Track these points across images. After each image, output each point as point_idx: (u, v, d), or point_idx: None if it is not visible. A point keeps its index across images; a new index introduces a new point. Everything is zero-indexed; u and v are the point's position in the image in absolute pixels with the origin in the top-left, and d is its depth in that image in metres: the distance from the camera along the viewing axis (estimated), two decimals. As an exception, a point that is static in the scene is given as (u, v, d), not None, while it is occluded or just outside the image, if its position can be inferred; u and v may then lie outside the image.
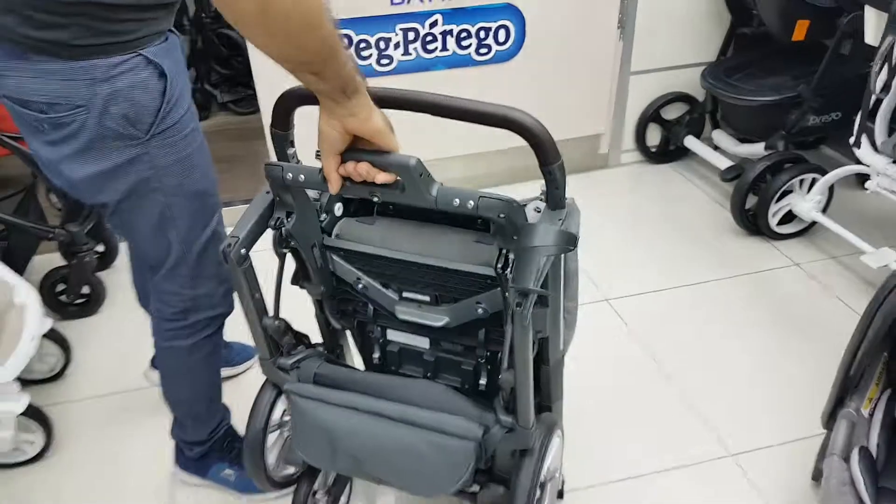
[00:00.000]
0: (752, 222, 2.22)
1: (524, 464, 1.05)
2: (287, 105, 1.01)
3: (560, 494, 1.46)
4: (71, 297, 2.07)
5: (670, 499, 1.47)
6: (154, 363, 1.73)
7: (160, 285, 1.28)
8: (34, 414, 1.60)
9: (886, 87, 1.69)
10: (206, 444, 1.49)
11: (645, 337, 1.89)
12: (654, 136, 2.74)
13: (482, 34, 2.38)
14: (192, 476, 1.55)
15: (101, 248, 2.22)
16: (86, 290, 2.09)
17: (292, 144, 1.07)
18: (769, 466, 1.51)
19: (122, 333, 2.00)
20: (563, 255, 1.02)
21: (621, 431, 1.62)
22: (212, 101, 3.38)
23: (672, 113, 2.69)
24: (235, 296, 1.30)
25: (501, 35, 2.40)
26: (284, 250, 1.10)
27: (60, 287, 2.06)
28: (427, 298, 1.12)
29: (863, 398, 1.32)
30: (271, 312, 1.14)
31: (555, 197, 0.96)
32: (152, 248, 1.23)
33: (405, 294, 1.14)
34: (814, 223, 2.20)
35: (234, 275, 1.06)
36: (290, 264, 1.15)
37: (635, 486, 1.50)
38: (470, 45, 2.40)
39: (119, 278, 2.16)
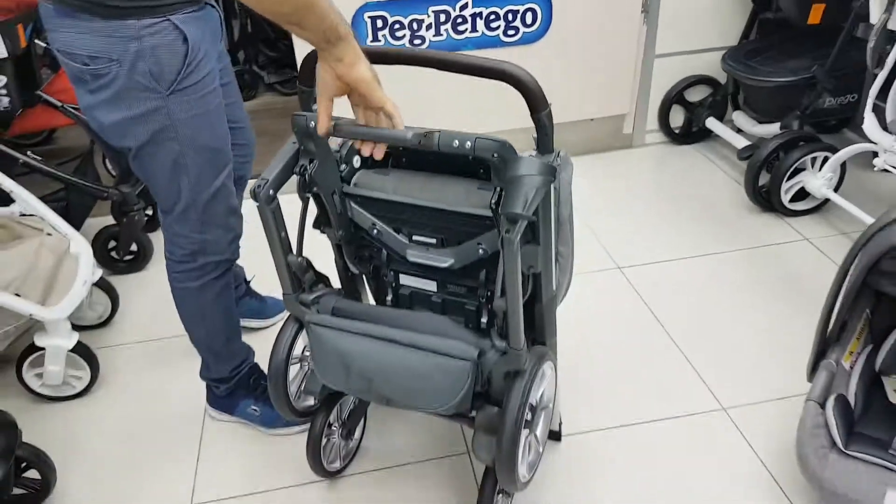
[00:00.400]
0: (766, 199, 2.29)
1: (515, 384, 1.16)
2: (313, 63, 1.15)
3: (558, 436, 1.57)
4: (121, 253, 2.26)
5: (665, 446, 1.56)
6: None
7: (172, 227, 1.44)
8: (82, 352, 1.78)
9: (881, 63, 1.74)
10: (231, 382, 1.64)
11: (652, 301, 1.99)
12: (677, 118, 2.81)
13: (510, 16, 2.49)
14: (221, 413, 1.71)
15: (149, 211, 2.40)
16: (134, 247, 2.28)
17: (315, 100, 1.21)
18: (760, 420, 1.59)
19: (166, 287, 2.15)
20: (553, 200, 1.13)
21: (623, 384, 1.72)
22: (259, 82, 3.56)
23: (695, 95, 2.76)
24: (242, 242, 1.46)
25: (529, 17, 2.50)
26: (307, 195, 1.24)
27: (111, 244, 2.25)
28: (434, 241, 1.24)
29: (844, 351, 1.40)
30: (295, 251, 1.28)
31: (544, 142, 1.07)
32: (165, 192, 1.38)
33: (415, 237, 1.26)
34: (826, 201, 2.25)
35: (262, 213, 1.20)
36: (313, 211, 1.29)
37: (632, 433, 1.60)
38: (498, 26, 2.51)
39: (164, 239, 2.34)
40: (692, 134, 2.82)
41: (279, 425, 1.64)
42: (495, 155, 1.02)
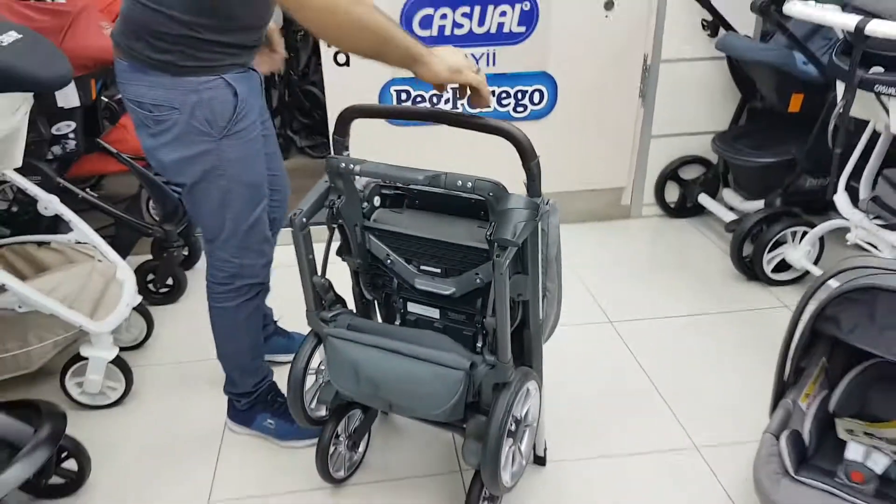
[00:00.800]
0: (750, 268, 2.48)
1: (501, 394, 1.34)
2: (347, 117, 1.42)
3: (543, 461, 1.72)
4: (158, 286, 2.49)
5: (640, 478, 1.71)
6: None
7: (214, 254, 1.66)
8: (120, 364, 1.98)
9: (841, 145, 1.97)
10: (252, 396, 1.83)
11: (638, 351, 2.16)
12: (672, 193, 3.05)
13: (520, 95, 2.78)
14: (239, 426, 1.88)
15: (186, 251, 2.64)
16: (170, 281, 2.50)
17: (347, 148, 1.45)
18: (729, 459, 1.73)
19: (196, 318, 2.34)
20: (541, 238, 1.34)
21: (605, 421, 1.89)
22: (292, 145, 3.87)
23: (689, 173, 3.00)
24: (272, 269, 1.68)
25: (536, 97, 2.79)
26: (334, 225, 1.47)
27: (149, 277, 2.48)
28: (438, 270, 1.45)
29: (800, 393, 1.56)
30: (319, 272, 1.49)
31: (533, 187, 1.29)
32: (212, 223, 1.61)
33: (422, 267, 1.47)
34: (807, 272, 2.43)
35: (294, 237, 1.42)
36: (337, 240, 1.51)
37: (610, 465, 1.75)
38: (509, 104, 2.79)
39: (199, 277, 2.56)
40: (686, 209, 3.04)
41: (292, 437, 1.82)
42: (490, 193, 1.24)
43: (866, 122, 2.14)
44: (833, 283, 1.46)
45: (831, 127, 2.01)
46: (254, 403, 1.84)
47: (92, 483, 1.71)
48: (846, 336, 1.42)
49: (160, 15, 1.36)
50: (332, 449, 1.62)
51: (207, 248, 1.68)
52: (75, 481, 1.69)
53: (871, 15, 1.90)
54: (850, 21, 1.82)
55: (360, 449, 1.75)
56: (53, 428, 1.51)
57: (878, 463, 1.43)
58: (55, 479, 1.67)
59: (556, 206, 1.42)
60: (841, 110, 1.92)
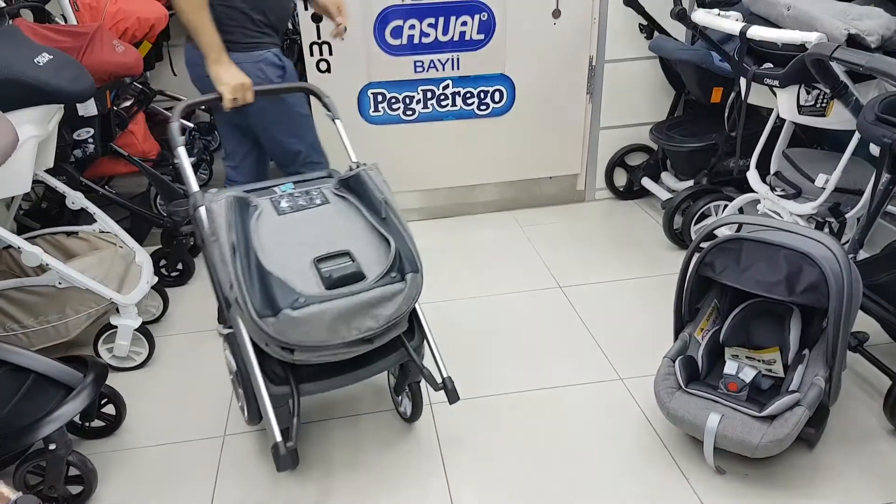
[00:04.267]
0: (680, 238, 2.88)
1: None
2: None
3: (452, 394, 1.89)
4: (169, 270, 2.86)
5: (576, 404, 2.09)
6: (219, 319, 2.47)
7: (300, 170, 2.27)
8: (144, 332, 2.35)
9: (733, 128, 2.36)
10: None
11: (582, 310, 2.55)
12: (620, 178, 3.44)
13: (482, 95, 3.16)
14: None
15: (192, 240, 3.00)
16: (180, 266, 2.87)
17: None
18: (648, 388, 2.09)
19: (205, 298, 2.75)
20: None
21: (543, 358, 2.29)
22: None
23: (634, 160, 3.39)
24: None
25: (497, 96, 3.17)
26: None
27: (162, 262, 2.85)
28: None
29: (696, 328, 1.96)
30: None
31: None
32: (281, 152, 2.30)
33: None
34: (728, 241, 2.83)
35: None
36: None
37: (551, 394, 2.14)
38: (473, 102, 3.17)
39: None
40: (633, 191, 3.43)
41: None
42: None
43: (760, 108, 2.53)
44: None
45: (727, 112, 2.40)
46: None
47: (125, 427, 2.09)
48: (718, 276, 1.81)
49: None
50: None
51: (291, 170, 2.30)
52: (113, 424, 2.06)
53: (762, 20, 2.29)
54: (735, 27, 2.21)
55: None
56: (98, 374, 1.88)
57: (748, 375, 1.82)
58: (96, 423, 2.04)
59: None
60: (731, 100, 2.31)
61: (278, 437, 1.66)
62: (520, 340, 2.41)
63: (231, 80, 1.97)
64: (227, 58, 2.01)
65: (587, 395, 2.13)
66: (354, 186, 1.84)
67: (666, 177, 3.23)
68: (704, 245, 1.85)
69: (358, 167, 1.86)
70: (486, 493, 1.80)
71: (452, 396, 1.87)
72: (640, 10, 3.05)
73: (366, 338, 1.66)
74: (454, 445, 1.96)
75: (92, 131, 2.72)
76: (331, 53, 2.96)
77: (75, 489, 1.82)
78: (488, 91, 3.16)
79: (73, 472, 1.81)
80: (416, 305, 1.81)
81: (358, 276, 1.63)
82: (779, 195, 2.49)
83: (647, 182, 3.30)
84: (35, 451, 1.77)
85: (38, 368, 1.83)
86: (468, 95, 3.15)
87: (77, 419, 2.01)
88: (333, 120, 2.03)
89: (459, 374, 2.23)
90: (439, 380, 1.87)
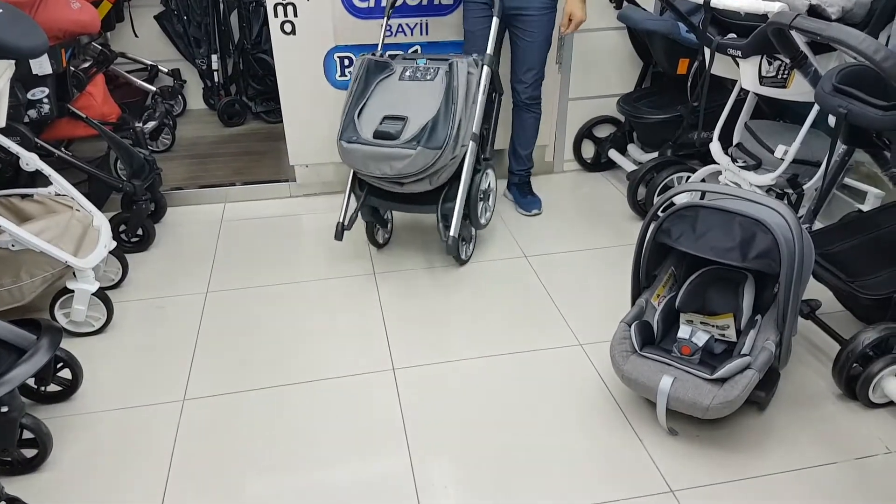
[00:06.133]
0: (643, 209, 2.90)
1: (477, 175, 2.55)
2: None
3: (450, 248, 2.45)
4: (129, 236, 2.81)
5: (537, 368, 2.12)
6: None
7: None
8: (102, 297, 2.31)
9: (697, 98, 2.38)
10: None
11: (545, 278, 2.58)
12: (588, 150, 3.45)
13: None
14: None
15: (152, 206, 2.96)
16: (140, 232, 2.83)
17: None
18: (606, 353, 2.12)
19: (165, 262, 2.73)
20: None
21: (511, 329, 2.31)
22: (247, 111, 4.17)
23: (603, 132, 3.40)
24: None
25: (465, 63, 3.15)
26: None
27: (122, 228, 2.80)
28: None
29: (652, 294, 1.98)
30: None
31: None
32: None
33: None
34: (691, 212, 2.86)
35: None
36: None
37: (513, 359, 2.16)
38: (440, 69, 3.15)
39: (166, 229, 2.92)
40: (601, 164, 3.45)
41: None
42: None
43: (724, 80, 2.55)
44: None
45: (689, 83, 2.42)
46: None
47: (82, 392, 2.06)
48: (674, 243, 1.83)
49: None
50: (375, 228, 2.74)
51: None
52: (70, 388, 2.04)
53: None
54: (698, -4, 2.22)
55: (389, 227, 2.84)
56: (52, 337, 1.84)
57: (701, 339, 1.86)
58: (53, 387, 2.02)
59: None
60: (695, 70, 2.32)
61: (341, 218, 2.60)
62: (481, 307, 2.42)
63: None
64: None
65: (546, 360, 2.16)
66: (451, 71, 2.39)
67: (632, 149, 3.25)
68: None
69: (459, 59, 2.42)
70: (444, 456, 1.82)
71: (450, 250, 2.46)
72: (610, -21, 3.04)
73: (393, 178, 2.34)
74: (415, 410, 1.97)
75: (47, 91, 2.64)
76: (296, 15, 2.90)
77: (30, 453, 1.80)
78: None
79: (27, 435, 1.79)
80: (465, 182, 2.45)
81: (391, 136, 2.30)
82: (740, 166, 2.52)
83: (614, 154, 3.32)
84: (-13, 414, 1.74)
85: (-12, 330, 1.79)
86: (436, 63, 3.13)
87: (32, 383, 1.98)
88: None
89: (421, 338, 2.26)
90: (445, 237, 2.45)
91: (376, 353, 2.20)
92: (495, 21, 2.56)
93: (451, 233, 2.42)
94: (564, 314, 2.37)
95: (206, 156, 3.69)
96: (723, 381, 1.72)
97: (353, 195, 2.59)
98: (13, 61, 2.18)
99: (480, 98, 2.44)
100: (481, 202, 2.62)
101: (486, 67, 2.49)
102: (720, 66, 2.53)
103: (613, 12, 3.13)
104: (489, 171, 2.68)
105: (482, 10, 2.73)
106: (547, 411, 1.96)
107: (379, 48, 2.68)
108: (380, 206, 2.60)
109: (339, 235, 2.57)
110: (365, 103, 2.41)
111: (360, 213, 2.59)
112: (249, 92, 4.17)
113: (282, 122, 3.16)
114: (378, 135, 2.31)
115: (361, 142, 2.32)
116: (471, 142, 2.43)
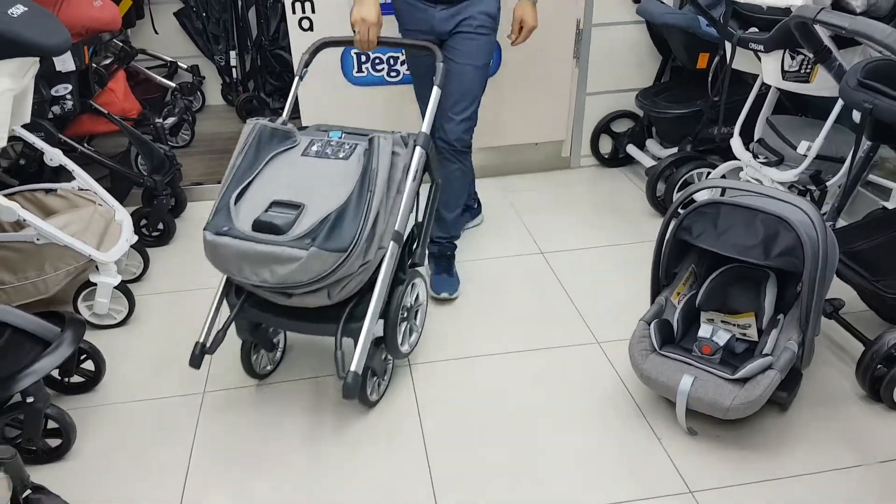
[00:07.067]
0: (662, 205, 2.88)
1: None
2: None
3: (347, 388, 1.78)
4: (150, 230, 2.84)
5: (553, 366, 2.11)
6: None
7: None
8: (124, 290, 2.34)
9: (717, 93, 2.36)
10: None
11: (562, 275, 2.57)
12: (606, 145, 3.43)
13: (468, 57, 3.12)
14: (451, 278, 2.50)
15: (173, 201, 2.98)
16: (161, 226, 2.85)
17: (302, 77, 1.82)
18: (624, 352, 2.10)
19: (186, 257, 2.76)
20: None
21: (530, 324, 2.31)
22: (265, 106, 4.19)
23: (621, 126, 3.38)
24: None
25: (483, 58, 3.13)
26: None
27: (143, 222, 2.83)
28: None
29: (672, 292, 1.97)
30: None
31: None
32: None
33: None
34: (711, 208, 2.84)
35: None
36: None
37: (531, 356, 2.15)
38: (459, 64, 3.13)
39: (187, 224, 2.95)
40: (619, 159, 3.43)
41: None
42: None
43: (745, 75, 2.52)
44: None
45: (710, 77, 2.39)
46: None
47: (105, 383, 2.09)
48: (695, 240, 1.82)
49: None
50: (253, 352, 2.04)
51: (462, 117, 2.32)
52: (93, 380, 2.07)
53: (749, -15, 2.27)
54: (721, -11, 2.19)
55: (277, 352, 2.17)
56: (76, 329, 1.87)
57: (722, 338, 1.84)
58: (76, 379, 2.05)
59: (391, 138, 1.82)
60: (716, 64, 2.29)
61: (202, 338, 1.89)
62: (498, 303, 2.42)
63: (354, 15, 2.05)
64: None
65: (564, 358, 2.15)
66: (371, 150, 1.78)
67: (651, 144, 3.23)
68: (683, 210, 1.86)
69: (383, 134, 1.81)
70: (460, 451, 1.83)
71: (349, 390, 1.75)
72: (629, -27, 3.02)
73: (276, 288, 1.71)
74: (431, 405, 1.97)
75: (70, 87, 2.67)
76: (314, 11, 2.91)
77: (54, 442, 1.83)
78: (475, 54, 3.12)
79: (51, 425, 1.82)
80: (378, 297, 1.80)
81: (276, 229, 1.66)
82: (761, 162, 2.49)
83: (631, 149, 3.30)
84: (13, 405, 1.77)
85: (14, 322, 1.82)
86: (454, 58, 3.11)
87: (56, 374, 2.01)
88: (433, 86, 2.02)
89: (438, 334, 2.26)
90: (343, 371, 1.75)
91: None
92: (436, 91, 2.02)
93: (353, 367, 1.75)
94: (582, 312, 2.36)
95: (225, 151, 3.71)
96: (744, 381, 1.70)
97: (225, 301, 1.91)
98: (38, 58, 2.21)
99: (409, 186, 1.83)
100: (404, 323, 1.99)
101: (418, 148, 1.86)
102: (741, 61, 2.50)
103: (632, 6, 3.11)
104: (417, 282, 2.07)
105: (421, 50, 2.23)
106: (564, 409, 1.95)
107: (286, 112, 2.06)
108: (261, 320, 1.92)
109: (195, 362, 1.88)
110: (250, 183, 1.76)
111: (236, 328, 1.93)
112: (267, 88, 4.19)
113: (299, 118, 3.18)
114: (259, 226, 1.67)
115: (234, 235, 1.67)
116: (392, 243, 1.80)
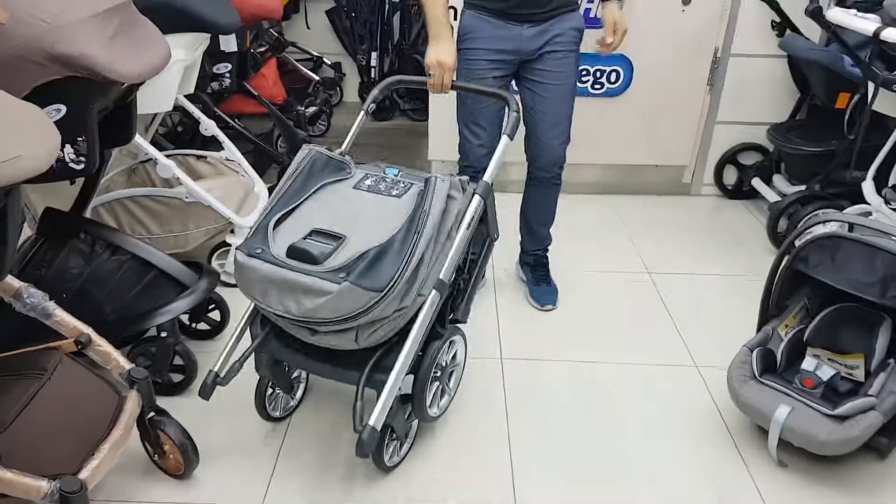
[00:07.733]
0: (783, 242, 2.80)
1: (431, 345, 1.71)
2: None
3: (360, 445, 1.55)
4: (280, 204, 3.07)
5: (644, 385, 2.12)
6: None
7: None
8: (253, 255, 2.55)
9: (854, 134, 2.28)
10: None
11: (666, 297, 2.56)
12: (730, 176, 3.37)
13: (598, 74, 3.17)
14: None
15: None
16: (290, 202, 3.08)
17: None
18: (724, 380, 2.09)
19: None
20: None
21: (628, 340, 2.32)
22: (395, 108, 4.41)
23: (748, 159, 3.31)
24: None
25: (613, 76, 3.18)
26: None
27: (275, 197, 3.06)
28: None
29: (780, 323, 1.94)
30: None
31: None
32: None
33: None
34: (834, 251, 2.73)
35: None
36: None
37: (625, 369, 2.17)
38: (588, 80, 3.19)
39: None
40: (742, 192, 3.35)
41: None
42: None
43: (883, 116, 2.42)
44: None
45: (847, 116, 2.32)
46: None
47: (224, 334, 2.29)
48: (811, 271, 1.78)
49: None
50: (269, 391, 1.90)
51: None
52: (216, 329, 2.27)
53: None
54: (869, 27, 2.13)
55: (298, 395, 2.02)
56: (211, 279, 2.08)
57: (826, 373, 1.79)
58: (202, 326, 2.26)
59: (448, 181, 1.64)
60: (854, 103, 2.23)
61: (217, 367, 1.74)
62: (596, 314, 2.45)
63: (431, 56, 2.03)
64: (446, 34, 2.03)
65: (659, 376, 2.15)
66: (426, 191, 1.62)
67: (778, 180, 3.14)
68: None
69: (441, 176, 1.65)
70: (543, 454, 1.86)
71: (363, 447, 1.54)
72: (775, 6, 2.97)
73: (300, 321, 1.56)
74: (520, 404, 2.03)
75: (229, 67, 2.95)
76: (455, 18, 3.05)
77: (177, 378, 2.03)
78: (605, 70, 3.17)
79: (177, 361, 2.02)
80: (410, 349, 1.59)
81: (311, 258, 1.51)
82: (892, 208, 2.39)
83: (757, 183, 3.22)
84: (148, 338, 1.99)
85: (160, 265, 2.04)
86: (584, 73, 3.17)
87: (186, 319, 2.23)
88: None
89: (535, 334, 2.31)
90: (360, 424, 1.56)
91: (487, 341, 2.29)
92: (505, 141, 1.84)
93: (371, 421, 1.55)
94: (683, 334, 2.34)
95: (354, 144, 3.92)
96: (843, 418, 1.65)
97: (248, 331, 1.78)
98: (209, 35, 2.47)
99: (461, 234, 1.65)
100: (436, 383, 1.80)
101: (476, 197, 1.70)
102: (883, 103, 2.41)
103: (775, 39, 3.05)
104: (457, 340, 1.87)
105: (496, 68, 2.17)
106: (652, 425, 1.96)
107: (345, 144, 1.96)
108: (281, 357, 1.77)
109: (205, 393, 1.74)
110: (294, 208, 1.63)
111: (255, 362, 1.79)
112: (400, 90, 4.41)
113: (425, 120, 3.33)
114: (293, 252, 1.53)
115: (266, 258, 1.53)
116: (434, 291, 1.61)
